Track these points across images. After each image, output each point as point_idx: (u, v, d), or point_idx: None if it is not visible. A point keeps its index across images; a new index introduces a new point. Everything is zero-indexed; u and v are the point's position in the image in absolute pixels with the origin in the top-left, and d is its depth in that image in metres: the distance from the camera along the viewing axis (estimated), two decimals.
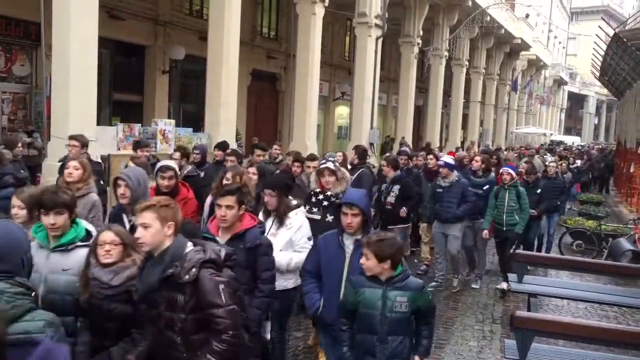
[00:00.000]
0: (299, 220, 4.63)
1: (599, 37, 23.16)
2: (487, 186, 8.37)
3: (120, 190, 4.47)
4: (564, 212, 12.74)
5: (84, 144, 6.91)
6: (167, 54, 16.17)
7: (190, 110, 17.61)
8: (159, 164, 5.52)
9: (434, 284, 8.09)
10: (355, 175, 8.40)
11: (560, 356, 4.87)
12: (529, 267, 7.78)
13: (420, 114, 29.62)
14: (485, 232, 8.15)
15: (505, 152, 20.35)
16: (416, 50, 22.21)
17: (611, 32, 18.36)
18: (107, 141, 9.80)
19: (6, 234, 2.23)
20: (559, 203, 10.49)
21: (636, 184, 16.80)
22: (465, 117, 31.42)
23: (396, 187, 7.92)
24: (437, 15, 23.87)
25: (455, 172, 8.06)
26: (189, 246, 2.96)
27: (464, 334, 6.55)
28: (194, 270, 2.83)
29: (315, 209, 5.61)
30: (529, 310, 6.42)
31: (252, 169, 6.46)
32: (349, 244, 3.84)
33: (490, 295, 8.05)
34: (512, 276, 6.79)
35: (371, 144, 18.72)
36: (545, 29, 49.92)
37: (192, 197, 5.58)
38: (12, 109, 13.25)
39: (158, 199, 3.10)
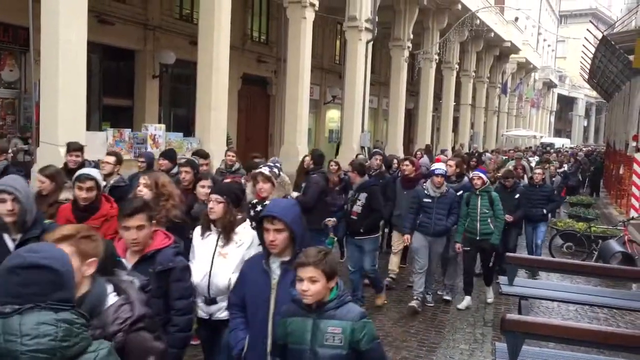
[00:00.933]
0: (248, 235, 3.85)
1: (587, 40, 23.35)
2: (461, 192, 7.73)
3: (7, 206, 3.43)
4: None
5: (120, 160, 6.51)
6: (157, 58, 16.12)
7: (181, 114, 17.58)
8: (78, 172, 4.66)
9: (413, 304, 7.27)
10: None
11: (550, 358, 4.89)
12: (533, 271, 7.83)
13: (411, 117, 29.71)
14: (458, 245, 7.53)
15: (489, 155, 19.71)
16: (406, 53, 22.28)
17: (600, 35, 18.54)
18: (97, 146, 9.77)
19: (67, 260, 1.98)
20: (544, 212, 9.66)
21: (625, 185, 16.92)
22: (455, 120, 31.56)
23: (363, 195, 7.03)
24: (427, 18, 23.99)
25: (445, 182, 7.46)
26: (111, 295, 2.37)
27: (455, 337, 6.56)
28: (120, 336, 2.27)
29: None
30: (519, 312, 6.44)
31: (206, 182, 5.30)
32: (275, 268, 3.09)
33: (482, 298, 8.07)
34: (502, 278, 6.81)
35: (362, 148, 18.76)
36: (535, 32, 50.24)
37: (116, 215, 4.05)
38: (1, 114, 13.18)
39: (77, 227, 2.46)
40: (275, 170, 6.19)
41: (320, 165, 8.50)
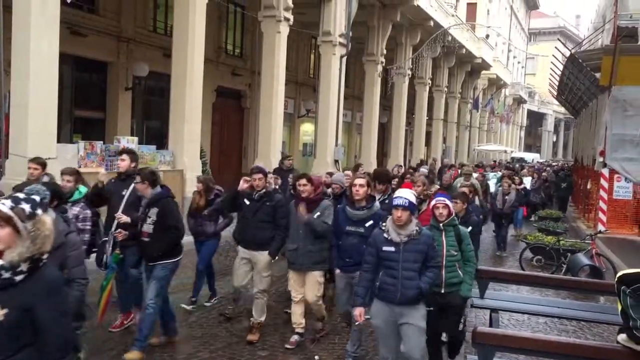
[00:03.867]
0: None
1: (555, 57, 23.90)
2: (371, 222, 5.61)
3: None
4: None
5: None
6: (130, 70, 15.99)
7: (154, 127, 17.44)
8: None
9: None
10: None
11: None
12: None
13: (384, 131, 29.96)
14: (359, 312, 4.96)
15: (424, 170, 16.14)
16: (380, 68, 22.55)
17: (567, 53, 18.98)
18: (68, 159, 9.63)
19: None
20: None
21: (593, 200, 17.27)
22: (428, 135, 31.93)
23: (153, 211, 5.71)
24: (400, 34, 24.35)
25: (415, 219, 4.95)
26: None
27: (429, 350, 6.57)
28: None
29: None
30: (490, 325, 6.51)
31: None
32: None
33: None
34: (474, 292, 6.87)
35: (336, 161, 18.85)
36: (505, 49, 51.24)
37: None
38: None
39: None
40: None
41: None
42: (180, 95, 12.13)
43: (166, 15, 17.52)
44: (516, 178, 16.04)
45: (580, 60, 17.31)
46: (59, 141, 9.90)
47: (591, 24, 35.19)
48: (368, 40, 22.22)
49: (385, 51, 22.54)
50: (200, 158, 13.12)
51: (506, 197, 13.05)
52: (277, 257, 6.68)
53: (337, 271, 5.98)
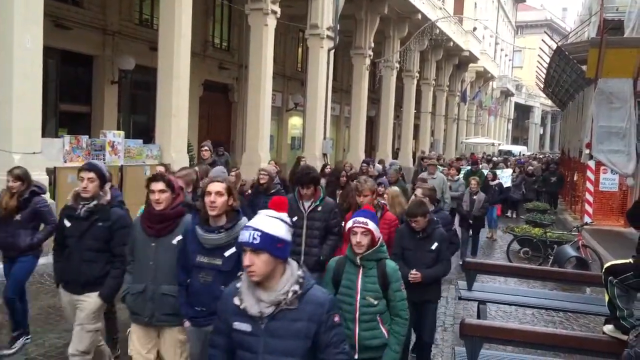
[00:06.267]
0: None
1: (542, 50, 24.00)
2: (233, 250, 3.65)
3: None
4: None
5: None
6: (116, 64, 15.86)
7: (141, 121, 17.33)
8: None
9: None
10: None
11: None
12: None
13: (372, 124, 29.98)
14: None
15: (374, 168, 13.50)
16: (368, 61, 22.54)
17: (554, 46, 19.08)
18: (53, 153, 9.55)
19: None
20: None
21: (579, 192, 17.38)
22: (416, 128, 32.00)
23: None
24: (387, 27, 24.33)
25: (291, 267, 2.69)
26: None
27: None
28: None
29: None
30: (478, 317, 6.54)
31: None
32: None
33: (441, 303, 8.16)
34: (462, 283, 6.91)
35: (324, 155, 18.84)
36: (492, 42, 51.42)
37: None
38: None
39: None
40: None
41: None
42: (167, 89, 12.05)
43: (152, 8, 17.38)
44: (489, 173, 14.33)
45: (566, 53, 17.39)
46: (44, 135, 9.79)
47: (577, 16, 35.35)
48: (356, 34, 22.20)
49: (373, 44, 22.53)
50: (188, 152, 13.05)
51: (474, 198, 11.08)
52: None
53: (187, 324, 3.90)
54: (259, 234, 2.47)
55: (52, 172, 9.02)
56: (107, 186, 4.55)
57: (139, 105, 17.60)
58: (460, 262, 9.07)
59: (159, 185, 3.94)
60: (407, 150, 28.42)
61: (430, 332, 5.30)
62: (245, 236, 2.48)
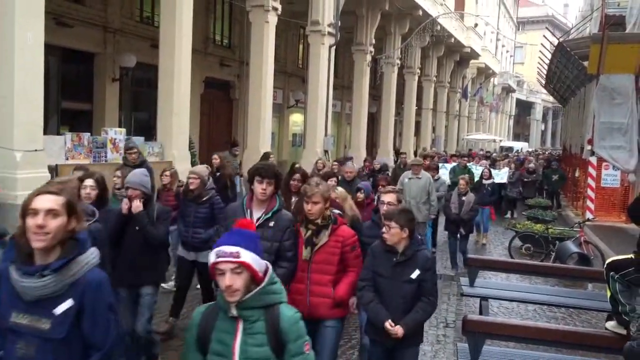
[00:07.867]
0: None
1: (544, 46, 23.94)
2: (69, 305, 2.35)
3: None
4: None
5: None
6: (117, 61, 15.84)
7: (142, 118, 17.32)
8: None
9: None
10: None
11: (510, 358, 5.00)
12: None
13: (374, 121, 29.94)
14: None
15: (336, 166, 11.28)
16: (369, 58, 22.51)
17: (555, 42, 19.03)
18: (55, 151, 9.56)
19: None
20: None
21: (581, 188, 17.37)
22: (417, 124, 31.98)
23: None
24: (389, 24, 24.29)
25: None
26: None
27: None
28: None
29: None
30: (480, 313, 6.55)
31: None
32: None
33: (444, 299, 8.18)
34: (464, 280, 6.92)
35: (326, 151, 18.84)
36: (494, 38, 51.30)
37: None
38: None
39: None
40: None
41: None
42: (169, 87, 12.04)
43: (153, 6, 17.36)
44: (485, 170, 13.72)
45: (568, 49, 17.35)
46: (45, 133, 9.80)
47: (579, 12, 35.31)
48: (357, 30, 22.16)
49: (374, 41, 22.50)
50: (189, 149, 13.05)
51: (463, 199, 9.99)
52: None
53: None
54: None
55: (53, 170, 9.02)
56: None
57: (140, 103, 17.59)
58: (453, 274, 9.25)
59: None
60: (408, 147, 28.22)
61: None
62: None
